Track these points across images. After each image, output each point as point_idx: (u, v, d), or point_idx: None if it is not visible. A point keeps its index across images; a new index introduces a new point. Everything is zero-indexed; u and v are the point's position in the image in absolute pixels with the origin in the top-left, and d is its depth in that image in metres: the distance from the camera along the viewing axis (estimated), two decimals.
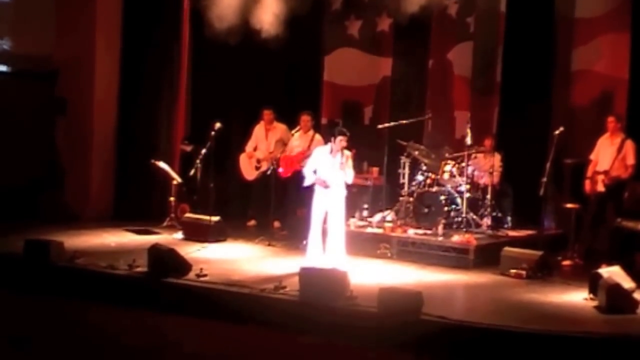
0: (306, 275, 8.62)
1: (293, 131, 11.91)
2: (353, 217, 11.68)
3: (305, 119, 11.94)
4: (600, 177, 10.65)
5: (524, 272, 9.84)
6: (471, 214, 11.38)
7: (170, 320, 8.53)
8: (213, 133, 11.64)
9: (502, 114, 12.42)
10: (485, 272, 10.16)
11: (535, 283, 9.65)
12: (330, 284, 8.41)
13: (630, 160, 10.52)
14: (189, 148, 13.25)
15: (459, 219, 11.30)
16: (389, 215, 11.74)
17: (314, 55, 13.69)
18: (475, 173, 11.78)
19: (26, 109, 13.27)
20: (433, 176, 11.79)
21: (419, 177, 11.88)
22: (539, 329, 7.66)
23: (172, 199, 12.60)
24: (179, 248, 9.99)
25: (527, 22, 12.03)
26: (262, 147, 12.56)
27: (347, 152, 9.75)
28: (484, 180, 11.78)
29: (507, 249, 10.28)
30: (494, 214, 11.61)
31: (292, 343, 7.92)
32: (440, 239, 10.89)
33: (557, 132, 10.66)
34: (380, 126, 12.22)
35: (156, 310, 8.74)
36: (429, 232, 11.12)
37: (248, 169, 12.62)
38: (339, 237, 9.77)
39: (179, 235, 11.77)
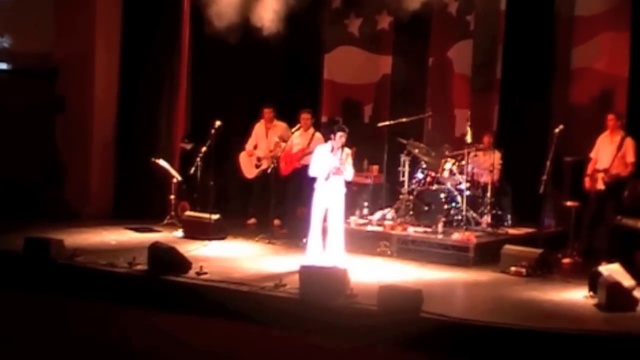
0: (306, 273, 8.62)
1: (293, 129, 11.91)
2: (353, 215, 11.69)
3: (305, 117, 11.94)
4: (600, 175, 10.65)
5: (523, 270, 9.84)
6: (471, 212, 11.39)
7: (170, 318, 8.53)
8: (213, 131, 11.65)
9: (502, 112, 12.42)
10: (485, 270, 10.17)
11: (535, 281, 9.65)
12: (330, 281, 8.41)
13: (630, 158, 10.52)
14: (189, 146, 13.25)
15: (459, 216, 11.30)
16: (389, 213, 11.75)
17: (314, 54, 13.69)
18: (475, 171, 11.78)
19: (26, 107, 13.27)
20: (433, 174, 11.80)
21: (419, 175, 11.88)
22: (538, 326, 7.66)
23: (172, 197, 12.61)
24: (179, 246, 10.00)
25: (527, 20, 12.04)
26: (262, 145, 12.56)
27: (347, 150, 9.75)
28: (484, 178, 11.78)
29: (507, 246, 10.29)
30: (494, 211, 11.62)
31: (292, 341, 7.93)
32: (440, 236, 10.90)
33: (557, 130, 10.66)
34: (380, 124, 12.23)
35: (156, 308, 8.75)
36: (429, 230, 11.13)
37: (248, 167, 12.63)
38: (338, 235, 9.78)
39: (179, 233, 11.77)
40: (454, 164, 11.67)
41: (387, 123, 12.14)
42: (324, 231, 9.84)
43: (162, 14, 13.28)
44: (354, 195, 11.63)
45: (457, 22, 12.88)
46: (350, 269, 8.80)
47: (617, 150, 10.54)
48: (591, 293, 8.79)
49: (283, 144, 11.69)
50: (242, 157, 12.67)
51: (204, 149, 11.85)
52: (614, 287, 8.39)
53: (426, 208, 11.53)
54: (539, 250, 10.11)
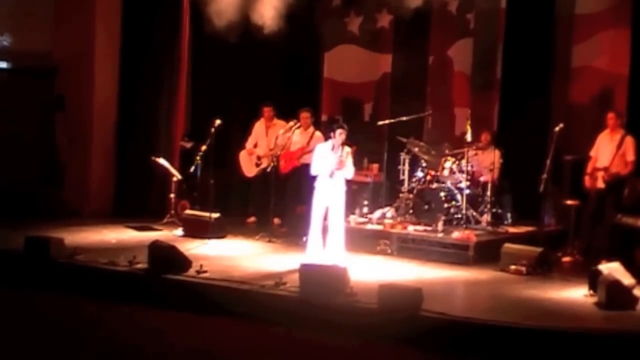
0: (306, 271, 8.63)
1: (290, 124, 11.82)
2: (353, 213, 11.69)
3: (305, 116, 11.93)
4: (600, 174, 10.65)
5: (523, 269, 9.84)
6: (471, 211, 11.39)
7: (171, 317, 8.53)
8: (213, 130, 11.64)
9: (502, 110, 12.42)
10: (485, 268, 10.17)
11: (535, 279, 9.65)
12: (331, 280, 8.42)
13: (630, 156, 10.52)
14: (189, 145, 13.25)
15: (459, 215, 11.30)
16: (389, 211, 11.75)
17: (313, 52, 13.69)
18: (475, 169, 11.78)
19: (26, 106, 13.28)
20: (433, 173, 11.79)
21: (419, 174, 11.88)
22: (538, 325, 7.66)
23: (172, 195, 12.61)
24: (179, 244, 10.00)
25: (527, 19, 12.04)
26: (262, 144, 12.55)
27: (347, 149, 9.75)
28: (484, 176, 11.78)
29: (507, 245, 10.28)
30: (494, 210, 11.62)
31: (292, 339, 7.93)
32: (440, 235, 10.90)
33: (557, 128, 10.66)
34: (380, 123, 12.23)
35: (156, 307, 8.75)
36: (428, 228, 11.13)
37: (248, 166, 12.63)
38: (339, 233, 9.78)
39: (179, 231, 11.77)
40: (454, 162, 11.67)
41: (387, 122, 12.15)
42: (324, 230, 9.84)
43: (162, 13, 13.29)
44: (354, 193, 11.63)
45: (457, 20, 12.88)
46: (350, 267, 8.80)
47: (617, 149, 10.54)
48: (591, 291, 8.79)
49: (288, 134, 11.65)
50: (242, 156, 12.67)
51: (203, 147, 11.84)
52: (614, 286, 8.39)
53: (426, 207, 11.53)
54: (539, 249, 10.10)
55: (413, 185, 11.85)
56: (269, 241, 11.36)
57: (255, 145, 12.62)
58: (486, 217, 11.46)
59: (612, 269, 8.80)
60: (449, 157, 11.75)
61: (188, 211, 12.12)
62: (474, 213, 11.43)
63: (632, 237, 10.08)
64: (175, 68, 13.31)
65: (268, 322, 8.18)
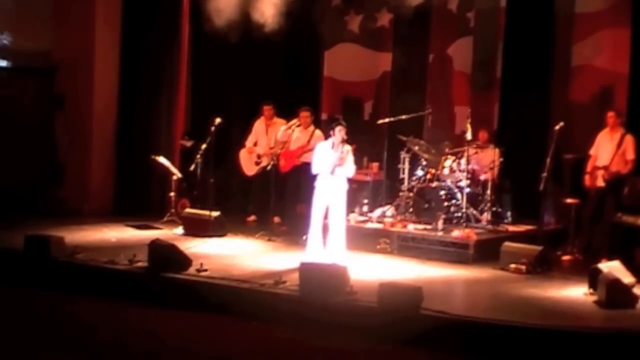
0: (306, 270, 8.63)
1: (290, 123, 11.81)
2: (353, 212, 11.69)
3: (305, 115, 11.91)
4: (600, 172, 10.65)
5: (523, 267, 9.84)
6: (471, 209, 11.39)
7: (171, 315, 8.53)
8: (213, 128, 11.65)
9: (502, 109, 12.43)
10: (485, 267, 10.17)
11: (535, 278, 9.66)
12: (330, 279, 8.42)
13: (630, 155, 10.52)
14: (189, 143, 13.26)
15: (459, 214, 11.30)
16: (389, 210, 11.75)
17: (313, 51, 13.70)
18: (475, 168, 11.78)
19: (25, 105, 13.28)
20: (433, 171, 11.80)
21: (419, 172, 11.88)
22: (538, 323, 7.66)
23: (172, 194, 12.61)
24: (179, 243, 10.01)
25: (527, 17, 12.04)
26: (262, 142, 12.55)
27: (347, 147, 9.76)
28: (484, 175, 11.77)
29: (506, 244, 10.29)
30: (494, 209, 11.62)
31: (292, 338, 7.93)
32: (440, 234, 10.90)
33: (557, 127, 10.67)
34: (380, 121, 12.23)
35: (156, 305, 8.75)
36: (429, 227, 11.13)
37: (248, 165, 12.63)
38: (340, 232, 9.78)
39: (179, 230, 11.77)
40: (454, 161, 11.67)
41: (387, 120, 12.15)
42: (325, 228, 9.84)
43: (162, 12, 13.29)
44: (354, 192, 11.62)
45: (457, 19, 12.89)
46: (350, 266, 8.81)
47: (617, 148, 10.54)
48: (591, 290, 8.79)
49: (289, 131, 11.64)
50: (242, 154, 12.67)
51: (203, 146, 11.85)
52: (614, 284, 8.39)
53: (426, 205, 11.53)
54: (539, 248, 10.11)
55: (413, 183, 11.85)
56: (269, 240, 11.36)
57: (255, 144, 12.62)
58: (486, 216, 11.46)
59: (612, 267, 8.81)
60: (449, 156, 11.75)
61: (188, 210, 12.12)
62: (474, 212, 11.43)
63: (632, 235, 10.08)
64: (175, 67, 13.31)
65: (268, 321, 8.19)
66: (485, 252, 10.51)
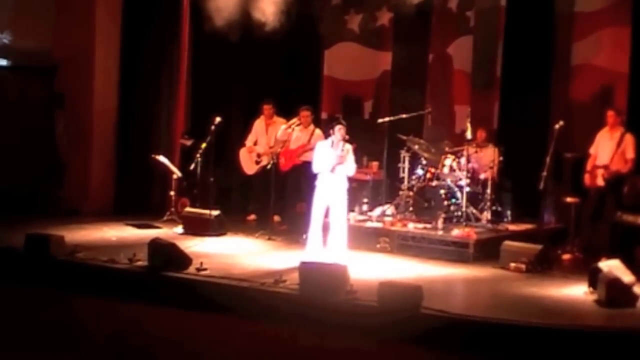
0: (306, 269, 8.62)
1: (290, 122, 11.81)
2: (353, 211, 11.68)
3: (305, 114, 11.90)
4: (600, 171, 10.65)
5: (523, 266, 9.84)
6: (471, 208, 11.39)
7: (171, 314, 8.54)
8: (213, 127, 11.64)
9: (502, 108, 12.42)
10: (485, 266, 10.17)
11: (535, 277, 9.66)
12: (330, 278, 8.41)
13: (630, 154, 10.52)
14: (189, 142, 13.26)
15: (459, 213, 11.30)
16: (389, 209, 11.75)
17: (313, 50, 13.69)
18: (475, 166, 11.78)
19: (25, 104, 13.27)
20: (433, 170, 11.80)
21: (419, 171, 11.88)
22: (538, 322, 7.66)
23: (172, 193, 12.61)
24: (179, 242, 10.00)
25: (527, 16, 12.03)
26: (262, 141, 12.55)
27: (348, 146, 9.76)
28: (484, 174, 11.77)
29: (507, 242, 10.29)
30: (494, 208, 11.62)
31: (292, 337, 7.93)
32: (440, 233, 10.90)
33: (557, 126, 10.67)
34: (380, 120, 12.22)
35: (156, 304, 8.75)
36: (428, 226, 11.13)
37: (248, 164, 12.62)
38: (340, 231, 9.79)
39: (179, 229, 11.77)
40: (454, 160, 11.67)
41: (387, 119, 12.14)
42: (325, 227, 9.84)
43: (162, 11, 13.28)
44: (354, 191, 11.61)
45: (457, 18, 12.89)
46: (350, 265, 8.80)
47: (617, 147, 10.53)
48: (591, 289, 8.79)
49: (289, 130, 11.64)
50: (242, 153, 12.67)
51: (203, 145, 11.85)
52: (614, 283, 8.39)
53: (426, 204, 11.53)
54: (539, 247, 10.10)
55: (413, 182, 11.85)
56: (269, 239, 11.36)
57: (255, 143, 12.62)
58: (486, 215, 11.46)
59: (612, 266, 8.80)
60: (449, 155, 11.75)
61: (188, 209, 12.12)
62: (474, 211, 11.43)
63: (632, 234, 10.08)
64: (175, 66, 13.31)
65: (268, 320, 8.19)
66: (486, 251, 10.51)
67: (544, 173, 10.41)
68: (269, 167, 11.69)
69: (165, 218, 12.37)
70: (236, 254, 10.50)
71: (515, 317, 7.82)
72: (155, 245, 9.45)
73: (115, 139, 13.48)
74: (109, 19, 13.30)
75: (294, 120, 11.72)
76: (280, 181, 11.80)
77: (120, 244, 10.66)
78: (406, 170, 11.97)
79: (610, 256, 9.47)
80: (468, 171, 11.47)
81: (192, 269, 9.25)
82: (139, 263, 9.44)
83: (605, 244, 10.39)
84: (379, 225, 11.38)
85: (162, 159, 12.52)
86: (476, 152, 11.87)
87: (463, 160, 11.50)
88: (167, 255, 9.33)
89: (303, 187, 11.20)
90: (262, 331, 8.06)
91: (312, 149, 10.52)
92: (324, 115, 13.57)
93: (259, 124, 12.64)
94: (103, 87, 13.31)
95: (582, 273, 9.33)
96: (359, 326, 7.86)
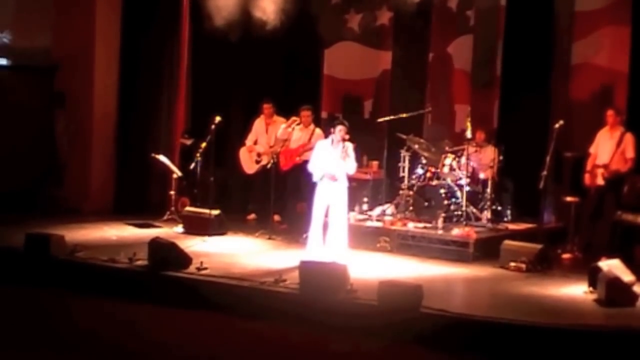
0: (306, 268, 8.63)
1: (290, 121, 11.80)
2: (353, 210, 11.68)
3: (305, 114, 11.90)
4: (600, 171, 10.65)
5: (523, 266, 9.85)
6: (471, 208, 11.39)
7: (171, 314, 8.54)
8: (213, 127, 11.64)
9: (502, 107, 12.42)
10: (485, 265, 10.18)
11: (535, 276, 9.67)
12: (331, 277, 8.42)
13: (630, 153, 10.52)
14: (189, 142, 13.26)
15: (459, 212, 11.30)
16: (389, 208, 11.75)
17: (313, 49, 13.68)
18: (475, 166, 11.78)
19: (25, 103, 13.27)
20: (433, 170, 11.80)
21: (419, 171, 11.88)
22: (538, 322, 7.67)
23: (172, 192, 12.61)
24: (180, 241, 10.01)
25: (527, 16, 12.03)
26: (262, 141, 12.56)
27: (348, 144, 9.77)
28: (484, 174, 11.77)
29: (506, 242, 10.29)
30: (494, 207, 11.62)
31: (292, 336, 7.94)
32: (440, 232, 10.90)
33: (557, 125, 10.67)
34: (380, 120, 12.24)
35: (156, 304, 8.76)
36: (428, 225, 11.13)
37: (248, 163, 12.63)
38: (341, 230, 9.79)
39: (180, 228, 11.78)
40: (454, 159, 11.67)
41: (387, 118, 12.15)
42: (325, 226, 9.85)
43: (162, 10, 13.28)
44: (354, 190, 11.61)
45: (457, 17, 12.88)
46: (350, 264, 8.81)
47: (617, 146, 10.54)
48: (591, 288, 8.80)
49: (289, 130, 11.64)
50: (242, 153, 12.67)
51: (203, 144, 11.84)
52: (614, 283, 8.40)
53: (426, 204, 11.54)
54: (539, 246, 10.11)
55: (413, 182, 11.85)
56: (269, 238, 11.36)
57: (255, 142, 12.62)
58: (486, 214, 11.46)
59: (612, 265, 8.82)
60: (449, 154, 11.75)
61: (188, 208, 12.13)
62: (474, 210, 11.43)
63: (632, 234, 10.09)
64: (175, 65, 13.32)
65: (268, 320, 8.19)
66: (485, 250, 10.52)
67: (544, 172, 10.41)
68: (269, 166, 11.70)
69: (165, 217, 12.38)
70: (236, 253, 10.51)
71: (515, 316, 7.83)
72: (156, 245, 9.46)
73: (115, 138, 13.49)
74: (109, 19, 13.30)
75: (294, 118, 11.72)
76: (280, 181, 11.80)
77: (120, 243, 10.66)
78: (406, 169, 11.97)
79: (610, 255, 9.49)
80: (468, 170, 11.47)
81: (192, 269, 9.26)
82: (139, 262, 9.45)
83: (605, 244, 10.40)
84: (379, 224, 11.38)
85: (162, 158, 12.52)
86: (476, 151, 11.87)
87: (463, 159, 11.50)
88: (167, 255, 9.34)
89: (303, 187, 11.21)
90: (262, 331, 8.06)
91: (312, 149, 10.51)
92: (324, 115, 13.56)
93: (259, 124, 12.65)
94: (103, 86, 13.31)
95: (581, 272, 9.34)
96: (359, 325, 7.87)
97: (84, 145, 13.29)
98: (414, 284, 8.25)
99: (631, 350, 7.33)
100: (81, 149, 13.30)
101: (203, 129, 12.02)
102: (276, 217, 12.11)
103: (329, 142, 9.82)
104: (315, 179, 9.81)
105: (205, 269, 9.24)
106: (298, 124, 11.84)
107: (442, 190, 11.48)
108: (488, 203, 11.55)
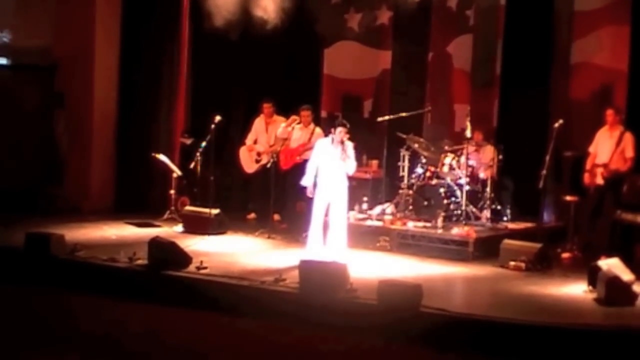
0: (306, 268, 8.64)
1: (289, 120, 11.81)
2: (352, 210, 11.69)
3: (305, 114, 11.90)
4: (600, 170, 10.65)
5: (523, 265, 9.86)
6: (471, 207, 11.40)
7: (170, 313, 8.54)
8: (213, 126, 11.64)
9: (502, 106, 12.42)
10: (485, 264, 10.18)
11: (535, 275, 9.67)
12: (330, 276, 8.43)
13: (629, 153, 10.52)
14: (189, 141, 13.26)
15: (459, 211, 11.31)
16: (389, 208, 11.75)
17: (313, 49, 13.68)
18: (475, 165, 11.79)
19: (25, 102, 13.29)
20: (433, 169, 11.81)
21: (419, 170, 11.89)
22: (538, 321, 7.68)
23: (172, 191, 12.62)
24: (179, 241, 10.02)
25: (526, 15, 12.03)
26: (262, 140, 12.56)
27: (348, 143, 9.78)
28: (484, 173, 11.77)
29: (506, 241, 10.30)
30: (494, 206, 11.63)
31: (292, 335, 7.94)
32: (440, 231, 10.91)
33: (556, 124, 10.67)
34: (379, 119, 12.25)
35: (156, 303, 8.76)
36: (428, 224, 11.14)
37: (248, 162, 12.63)
38: (341, 229, 9.80)
39: (179, 228, 11.79)
40: (453, 158, 11.68)
41: (386, 118, 12.16)
42: (325, 226, 9.86)
43: (162, 9, 13.30)
44: (354, 190, 11.61)
45: (457, 16, 12.88)
46: (350, 263, 8.82)
47: (616, 145, 10.54)
48: (590, 287, 8.81)
49: (289, 128, 11.65)
50: (242, 152, 12.68)
51: (203, 143, 11.85)
52: (613, 282, 8.41)
53: (426, 203, 11.55)
54: (539, 245, 10.12)
55: (413, 181, 11.86)
56: (269, 237, 11.37)
57: (255, 142, 12.63)
58: (486, 214, 11.47)
59: (611, 265, 8.82)
60: (448, 154, 11.76)
61: (188, 207, 12.14)
62: (474, 209, 11.44)
63: (632, 233, 10.09)
64: (175, 64, 13.33)
65: (268, 318, 8.19)
66: (485, 249, 10.53)
67: (544, 172, 10.41)
68: (269, 165, 11.71)
69: (165, 217, 12.39)
70: (236, 252, 10.51)
71: (515, 315, 7.84)
72: (155, 244, 9.46)
73: (115, 137, 13.50)
74: (109, 18, 13.31)
75: (294, 118, 11.73)
76: (280, 180, 11.81)
77: (120, 242, 10.66)
78: (406, 168, 11.98)
79: (609, 255, 9.49)
80: (467, 170, 11.47)
81: (192, 268, 9.27)
82: (139, 262, 9.46)
83: (604, 243, 10.39)
84: (379, 223, 11.39)
85: (162, 157, 12.53)
86: (476, 150, 11.88)
87: (463, 158, 11.51)
88: (167, 254, 9.35)
89: (303, 186, 11.20)
90: (262, 329, 8.06)
91: (312, 148, 10.53)
92: (323, 114, 13.56)
93: (259, 123, 12.65)
94: (103, 85, 13.33)
95: (581, 271, 9.35)
96: (358, 325, 7.87)
97: (83, 144, 13.30)
98: (414, 283, 8.25)
99: (631, 349, 7.34)
100: (81, 148, 13.31)
101: (203, 128, 12.03)
102: (276, 217, 12.12)
103: (329, 141, 9.83)
104: (304, 182, 9.86)
105: (205, 268, 9.25)
106: (298, 124, 11.85)
107: (441, 190, 11.49)
108: (488, 202, 11.56)
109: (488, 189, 11.61)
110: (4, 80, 13.27)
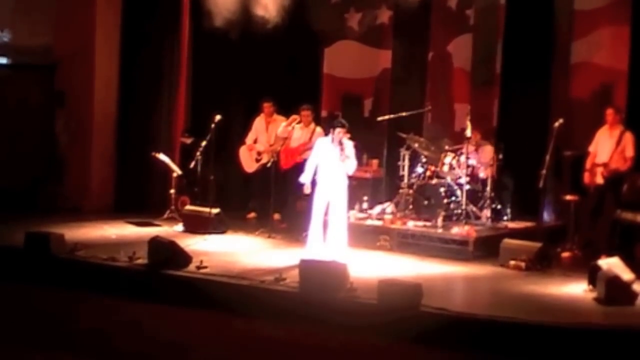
0: (306, 267, 8.64)
1: (290, 119, 11.82)
2: (353, 209, 11.69)
3: (306, 113, 11.90)
4: (600, 169, 10.65)
5: (523, 264, 9.86)
6: (471, 206, 11.40)
7: (170, 312, 8.55)
8: (213, 125, 11.65)
9: (502, 106, 12.41)
10: (485, 264, 10.19)
11: (535, 275, 9.68)
12: (330, 276, 8.43)
13: (629, 152, 10.52)
14: (189, 140, 13.26)
15: (459, 211, 11.31)
16: (389, 207, 11.76)
17: (313, 48, 13.68)
18: (475, 164, 11.78)
19: (25, 102, 13.29)
20: (433, 168, 11.81)
21: (419, 169, 11.89)
22: (538, 320, 7.68)
23: (172, 191, 12.62)
24: (179, 240, 10.02)
25: (526, 14, 12.02)
26: (262, 139, 12.56)
27: (348, 142, 9.78)
28: (484, 172, 11.77)
29: (506, 240, 10.30)
30: (494, 205, 11.63)
31: (292, 335, 7.94)
32: (440, 231, 10.91)
33: (556, 124, 10.68)
34: (379, 118, 12.25)
35: (156, 302, 8.76)
36: (428, 224, 11.14)
37: (248, 162, 12.63)
38: (341, 229, 9.80)
39: (179, 227, 11.79)
40: (453, 158, 11.68)
41: (386, 117, 12.16)
42: (325, 225, 9.86)
43: (162, 8, 13.30)
44: (354, 189, 11.62)
45: (457, 16, 12.87)
46: (350, 263, 8.82)
47: (616, 145, 10.54)
48: (590, 287, 8.81)
49: (289, 128, 11.65)
50: (242, 152, 12.67)
51: (204, 143, 11.86)
52: (613, 281, 8.41)
53: (426, 202, 11.54)
54: (539, 244, 10.12)
55: (413, 180, 11.86)
56: (269, 237, 11.38)
57: (256, 141, 12.63)
58: (486, 213, 11.47)
59: (611, 264, 8.82)
60: (448, 153, 11.75)
61: (188, 207, 12.14)
62: (474, 208, 11.44)
63: (632, 232, 10.09)
64: (175, 64, 13.33)
65: (268, 318, 8.20)
66: (485, 249, 10.53)
67: (544, 171, 10.42)
68: (269, 165, 11.72)
69: (165, 216, 12.39)
70: (236, 252, 10.52)
71: (515, 314, 7.84)
72: (155, 243, 9.47)
73: (115, 136, 13.50)
74: (109, 17, 13.31)
75: (295, 117, 11.73)
76: (280, 179, 11.81)
77: (120, 241, 10.67)
78: (406, 168, 11.97)
79: (609, 254, 9.49)
80: (467, 169, 11.47)
81: (192, 267, 9.27)
82: (139, 261, 9.47)
83: (604, 242, 10.40)
84: (379, 223, 11.39)
85: (162, 156, 12.53)
86: (476, 150, 11.87)
87: (463, 158, 11.51)
88: (167, 253, 9.35)
89: (303, 185, 11.21)
90: (262, 329, 8.06)
91: (312, 148, 10.52)
92: (323, 113, 13.55)
93: (259, 122, 12.65)
94: (103, 85, 13.33)
95: (581, 271, 9.35)
96: (358, 324, 7.87)
97: (84, 143, 13.30)
98: (414, 282, 8.26)
99: (630, 348, 7.34)
100: (81, 148, 13.31)
101: (203, 128, 12.04)
102: (276, 216, 12.12)
103: (329, 140, 9.84)
104: (302, 179, 9.85)
105: (205, 267, 9.25)
106: (298, 123, 11.85)
107: (441, 189, 11.49)
108: (488, 201, 11.56)
109: (488, 189, 11.61)
110: (4, 79, 13.27)
